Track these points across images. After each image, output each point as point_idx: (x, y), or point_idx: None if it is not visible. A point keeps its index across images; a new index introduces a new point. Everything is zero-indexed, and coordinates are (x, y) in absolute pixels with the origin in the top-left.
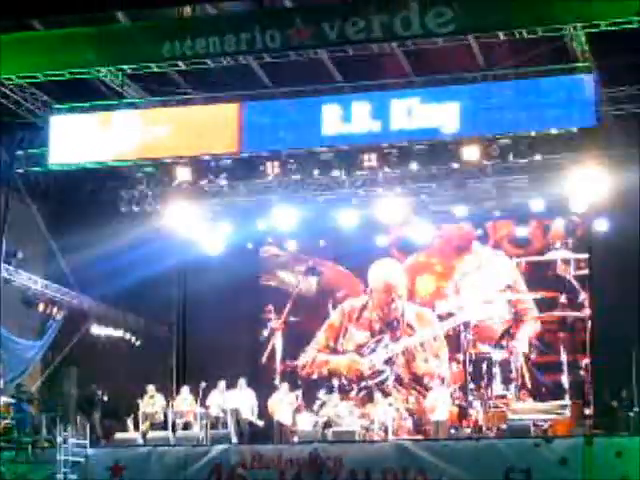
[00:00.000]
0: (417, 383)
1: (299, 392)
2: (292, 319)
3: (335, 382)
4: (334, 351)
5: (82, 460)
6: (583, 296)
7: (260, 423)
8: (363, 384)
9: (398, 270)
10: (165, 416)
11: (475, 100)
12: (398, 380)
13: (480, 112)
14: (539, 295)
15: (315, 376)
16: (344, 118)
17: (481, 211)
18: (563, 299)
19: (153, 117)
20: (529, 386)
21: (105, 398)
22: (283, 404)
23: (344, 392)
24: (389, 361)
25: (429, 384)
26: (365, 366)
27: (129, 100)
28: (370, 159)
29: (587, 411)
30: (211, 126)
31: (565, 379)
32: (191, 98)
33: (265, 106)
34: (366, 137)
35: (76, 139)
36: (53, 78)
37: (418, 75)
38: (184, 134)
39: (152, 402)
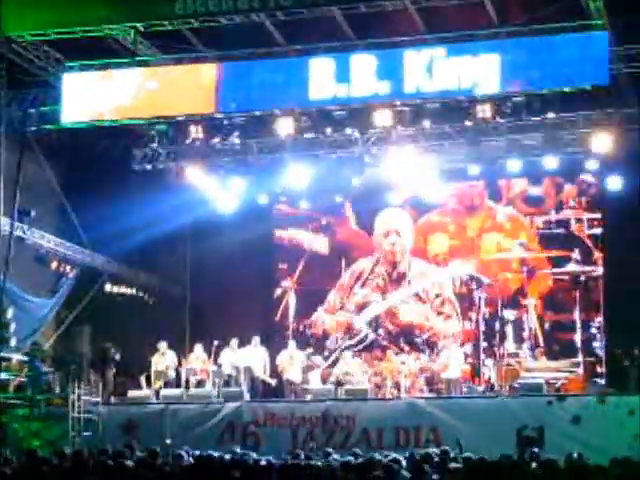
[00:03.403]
0: (410, 337)
1: (310, 350)
2: (305, 278)
3: (329, 342)
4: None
5: (95, 418)
6: (596, 254)
7: (272, 381)
8: (349, 342)
9: (403, 217)
10: (178, 374)
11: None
12: (386, 338)
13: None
14: (552, 253)
15: (315, 336)
16: (339, 77)
17: (494, 169)
18: (576, 257)
19: (148, 75)
20: (542, 344)
21: (118, 356)
22: (292, 362)
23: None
24: (375, 320)
25: (424, 337)
26: (353, 324)
27: (141, 58)
28: (383, 117)
29: (599, 370)
30: (192, 85)
31: (578, 337)
32: (203, 56)
33: (243, 66)
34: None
35: (88, 97)
36: (65, 36)
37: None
38: (170, 93)
39: (164, 359)
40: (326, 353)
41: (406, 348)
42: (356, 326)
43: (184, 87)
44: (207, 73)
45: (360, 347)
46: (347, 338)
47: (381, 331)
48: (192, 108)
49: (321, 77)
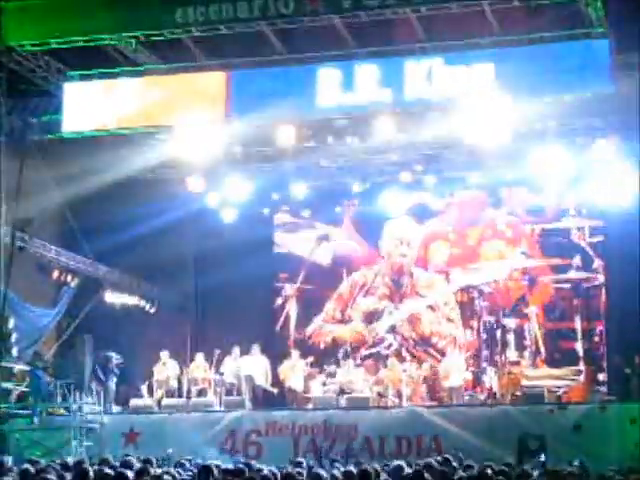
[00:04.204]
0: (428, 345)
1: (310, 359)
2: (306, 287)
3: (341, 351)
4: (340, 321)
5: (97, 427)
6: (597, 263)
7: (274, 390)
8: (366, 352)
9: (414, 228)
10: (179, 383)
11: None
12: (406, 345)
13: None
14: (553, 262)
15: (322, 345)
16: (345, 85)
17: (495, 177)
18: (577, 266)
19: (151, 84)
20: (543, 353)
21: (120, 365)
22: (295, 371)
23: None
24: (393, 328)
25: (440, 346)
26: (368, 334)
27: (142, 67)
28: (383, 125)
29: (601, 378)
30: (200, 93)
31: (579, 346)
32: (203, 65)
33: (253, 74)
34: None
35: (89, 106)
36: (66, 45)
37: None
38: (176, 101)
39: (165, 368)
40: (328, 363)
41: (425, 355)
42: (379, 334)
43: (192, 96)
44: (216, 82)
45: (384, 355)
46: (367, 346)
47: (400, 339)
48: (201, 117)
49: (328, 86)
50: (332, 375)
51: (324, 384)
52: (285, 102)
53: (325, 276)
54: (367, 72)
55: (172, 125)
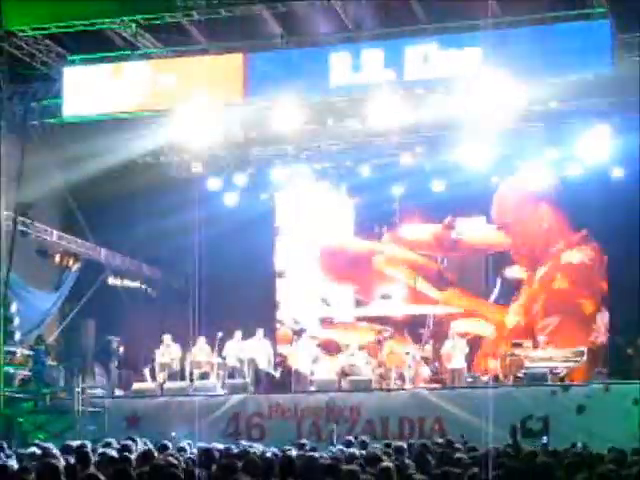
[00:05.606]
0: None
1: (317, 342)
2: (306, 272)
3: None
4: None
5: (100, 410)
6: (601, 244)
7: (276, 373)
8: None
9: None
10: (182, 366)
11: (493, 46)
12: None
13: (498, 59)
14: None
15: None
16: (354, 67)
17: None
18: (581, 247)
19: (161, 67)
20: (545, 334)
21: (122, 349)
22: (303, 353)
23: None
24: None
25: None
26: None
27: (142, 51)
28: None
29: (604, 359)
30: (216, 76)
31: (582, 327)
32: (204, 48)
33: (270, 56)
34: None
35: (89, 90)
36: (66, 29)
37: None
38: (190, 84)
39: (168, 352)
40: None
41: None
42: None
43: (207, 79)
44: (232, 64)
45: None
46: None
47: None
48: (219, 98)
49: (339, 67)
50: (335, 358)
51: (328, 367)
52: (300, 83)
53: (324, 261)
54: (372, 55)
55: (185, 108)
